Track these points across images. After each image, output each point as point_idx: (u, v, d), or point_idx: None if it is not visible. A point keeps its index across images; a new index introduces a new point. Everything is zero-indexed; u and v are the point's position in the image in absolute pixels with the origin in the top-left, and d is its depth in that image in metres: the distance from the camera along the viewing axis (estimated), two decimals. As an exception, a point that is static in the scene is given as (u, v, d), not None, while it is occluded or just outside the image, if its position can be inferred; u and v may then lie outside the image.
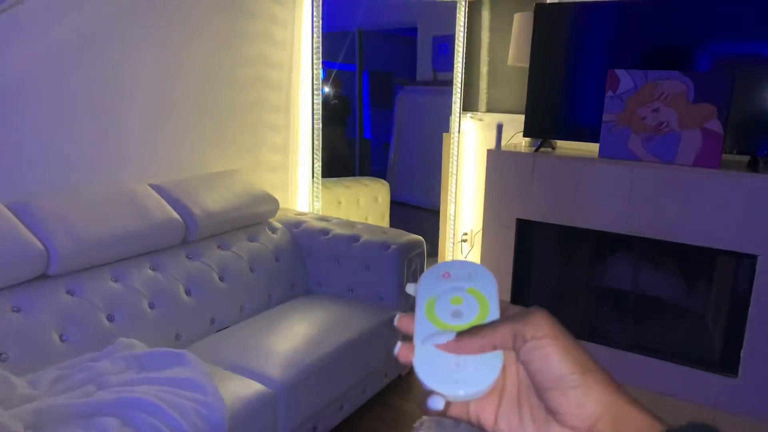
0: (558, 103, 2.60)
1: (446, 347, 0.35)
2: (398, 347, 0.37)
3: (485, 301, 0.38)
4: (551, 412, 0.34)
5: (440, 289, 0.39)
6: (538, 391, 0.35)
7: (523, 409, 0.37)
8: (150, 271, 2.01)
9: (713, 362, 2.34)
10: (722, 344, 2.33)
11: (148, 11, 2.26)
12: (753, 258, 2.15)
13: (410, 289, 0.40)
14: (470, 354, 0.35)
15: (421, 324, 0.37)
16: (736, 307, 2.24)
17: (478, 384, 0.35)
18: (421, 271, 2.56)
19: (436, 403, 0.35)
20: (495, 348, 0.35)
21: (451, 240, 3.23)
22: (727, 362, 2.28)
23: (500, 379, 0.37)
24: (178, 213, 2.15)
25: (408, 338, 0.38)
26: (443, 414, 0.37)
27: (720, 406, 2.28)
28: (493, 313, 0.37)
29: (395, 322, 0.39)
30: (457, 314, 0.37)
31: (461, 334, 0.35)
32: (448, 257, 3.23)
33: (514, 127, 2.80)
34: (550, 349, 0.33)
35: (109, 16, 2.12)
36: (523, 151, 2.63)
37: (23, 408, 1.40)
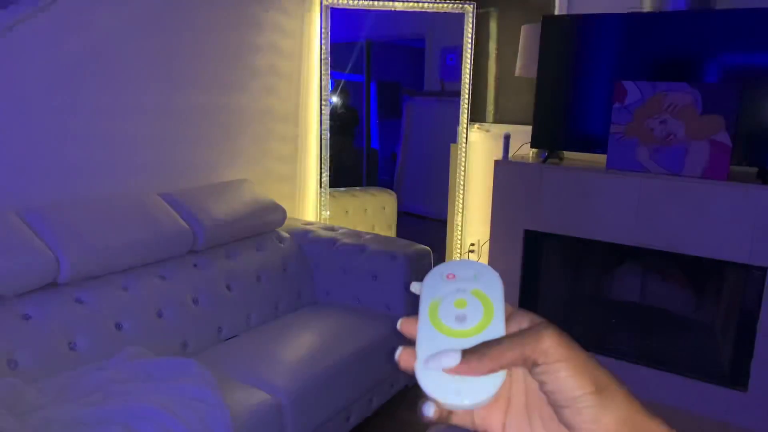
0: (565, 114, 2.61)
1: (454, 371, 0.34)
2: (399, 351, 0.36)
3: (490, 303, 0.37)
4: (566, 426, 0.34)
5: (444, 291, 0.38)
6: (553, 408, 0.34)
7: (534, 419, 0.36)
8: (158, 280, 2.02)
9: (722, 375, 2.32)
10: (731, 357, 2.31)
11: (157, 22, 2.29)
12: (762, 270, 2.14)
13: (415, 287, 0.39)
14: (477, 376, 0.34)
15: (424, 329, 0.36)
16: (745, 319, 2.22)
17: (481, 394, 0.34)
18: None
19: (427, 410, 0.34)
20: (503, 369, 0.34)
21: (459, 250, 3.23)
22: (736, 375, 2.26)
23: (506, 387, 0.36)
24: (186, 222, 2.17)
25: (411, 343, 0.37)
26: (446, 422, 0.36)
27: (729, 420, 2.26)
28: (498, 317, 0.36)
29: (398, 326, 0.38)
30: (461, 318, 0.36)
31: (467, 355, 0.34)
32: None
33: (521, 138, 2.80)
34: (563, 373, 0.33)
35: (119, 27, 2.15)
36: (530, 162, 2.63)
37: (31, 415, 1.41)
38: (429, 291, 0.38)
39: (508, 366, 0.34)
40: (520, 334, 0.34)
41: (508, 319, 0.37)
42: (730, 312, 2.42)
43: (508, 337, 0.34)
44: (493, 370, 0.34)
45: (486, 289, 0.37)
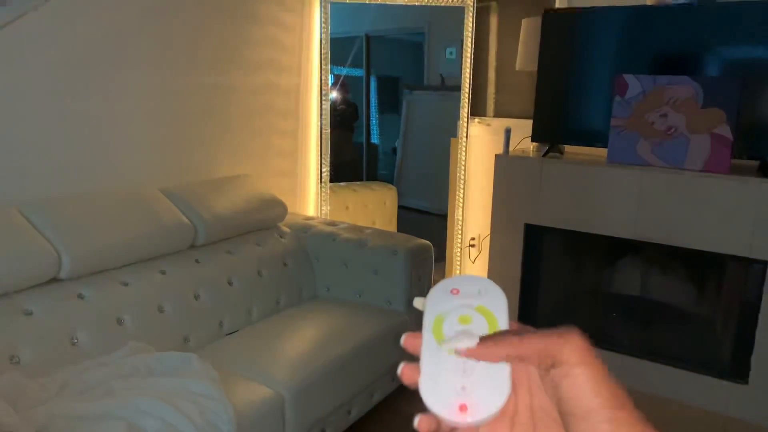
0: (566, 108, 2.60)
1: (468, 353, 0.33)
2: (401, 367, 0.36)
3: (494, 320, 0.36)
4: None
5: (448, 307, 0.37)
6: (564, 417, 0.33)
7: None
8: (159, 275, 2.03)
9: (723, 368, 2.32)
10: (732, 350, 2.32)
11: (158, 17, 2.28)
12: (763, 264, 2.14)
13: (418, 303, 0.39)
14: (492, 361, 0.33)
15: (428, 345, 0.36)
16: (746, 313, 2.22)
17: (485, 410, 0.33)
18: (429, 276, 2.56)
19: (416, 422, 0.35)
20: (519, 359, 0.33)
21: (459, 245, 3.23)
22: (737, 368, 2.26)
23: (511, 402, 0.35)
24: (187, 217, 2.17)
25: (413, 358, 0.36)
26: None
27: (730, 413, 2.27)
28: None
29: (402, 342, 0.37)
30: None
31: (485, 339, 0.33)
32: (456, 262, 3.23)
33: (522, 132, 2.80)
34: (583, 378, 0.31)
35: (120, 21, 2.15)
36: (531, 156, 2.63)
37: (34, 410, 1.42)
38: (433, 306, 0.38)
39: (525, 356, 0.33)
40: (544, 330, 0.33)
41: None
42: (730, 305, 2.42)
43: (528, 331, 0.34)
44: (509, 357, 0.33)
45: (490, 306, 0.37)
